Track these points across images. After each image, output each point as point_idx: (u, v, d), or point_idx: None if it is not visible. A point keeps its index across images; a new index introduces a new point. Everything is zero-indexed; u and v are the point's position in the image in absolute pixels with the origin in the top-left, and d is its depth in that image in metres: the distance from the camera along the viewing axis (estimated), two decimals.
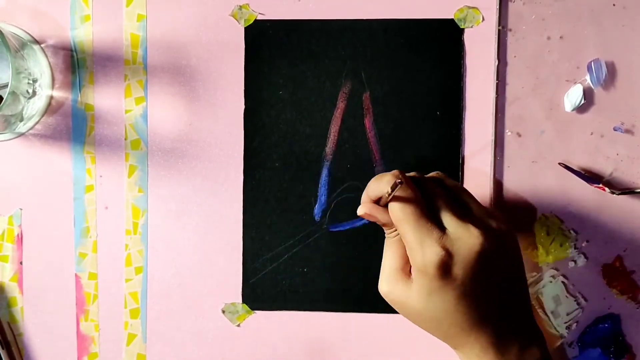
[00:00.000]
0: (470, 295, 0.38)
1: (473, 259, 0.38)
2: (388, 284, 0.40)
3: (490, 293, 0.39)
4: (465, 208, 0.40)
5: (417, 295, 0.38)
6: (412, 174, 0.41)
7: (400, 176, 0.38)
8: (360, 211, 0.40)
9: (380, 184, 0.39)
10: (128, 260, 0.49)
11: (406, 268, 0.40)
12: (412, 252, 0.38)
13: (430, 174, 0.42)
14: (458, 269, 0.38)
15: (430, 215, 0.39)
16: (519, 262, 0.41)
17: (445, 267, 0.37)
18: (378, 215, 0.40)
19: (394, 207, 0.39)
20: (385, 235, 0.41)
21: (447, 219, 0.39)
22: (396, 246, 0.40)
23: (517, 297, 0.41)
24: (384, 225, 0.40)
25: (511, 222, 0.42)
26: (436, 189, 0.40)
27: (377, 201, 0.40)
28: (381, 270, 0.41)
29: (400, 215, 0.38)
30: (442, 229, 0.38)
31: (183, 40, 0.48)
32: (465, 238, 0.38)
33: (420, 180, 0.40)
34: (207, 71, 0.48)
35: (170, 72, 0.49)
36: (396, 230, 0.40)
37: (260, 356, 0.49)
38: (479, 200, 0.41)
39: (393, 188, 0.37)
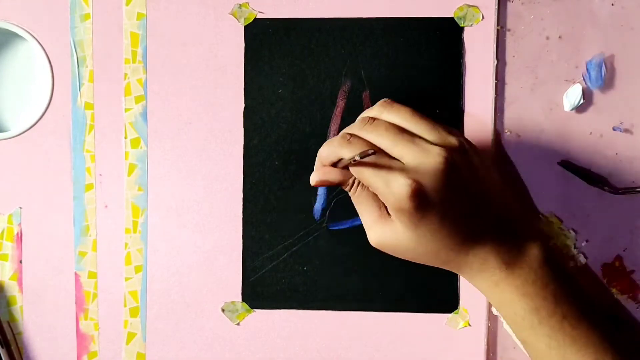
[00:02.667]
0: (452, 214, 0.38)
1: (441, 178, 0.37)
2: (375, 233, 0.40)
3: (471, 205, 0.38)
4: (418, 131, 0.39)
5: (404, 233, 0.38)
6: (357, 121, 0.41)
7: (371, 149, 0.38)
8: (314, 178, 0.40)
9: (335, 149, 0.39)
10: (128, 259, 0.49)
11: (384, 213, 0.39)
12: (383, 196, 0.38)
13: (376, 105, 0.41)
14: (431, 193, 0.37)
15: (386, 154, 0.38)
16: (487, 167, 0.40)
17: (418, 196, 0.37)
18: (332, 177, 0.40)
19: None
20: (350, 194, 0.41)
21: (403, 149, 0.38)
22: (365, 198, 0.40)
23: (501, 199, 0.40)
24: (341, 184, 0.40)
25: None
26: (383, 125, 0.39)
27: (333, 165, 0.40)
28: (364, 226, 0.41)
29: (359, 167, 0.38)
30: (401, 161, 0.38)
31: (183, 39, 0.48)
32: (426, 161, 0.37)
33: (364, 131, 0.40)
34: (207, 70, 0.49)
35: (169, 71, 0.49)
36: (356, 185, 0.40)
37: (260, 355, 0.49)
38: None
39: (363, 156, 0.37)
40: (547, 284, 0.39)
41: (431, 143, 0.38)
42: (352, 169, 0.39)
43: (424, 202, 0.37)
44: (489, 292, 0.40)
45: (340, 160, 0.40)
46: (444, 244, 0.38)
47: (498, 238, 0.39)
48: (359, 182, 0.40)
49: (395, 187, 0.37)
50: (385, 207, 0.40)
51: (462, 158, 0.38)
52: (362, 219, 0.41)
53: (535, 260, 0.39)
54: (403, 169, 0.37)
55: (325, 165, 0.40)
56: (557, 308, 0.39)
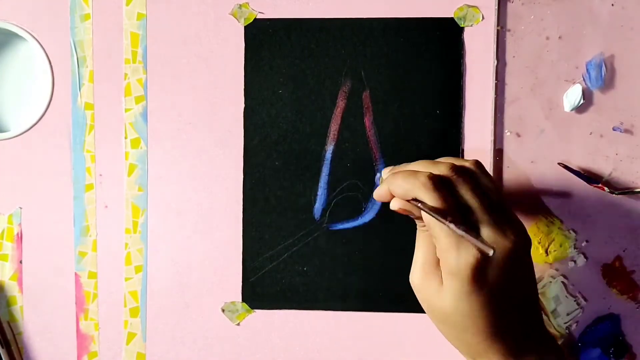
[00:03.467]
0: (498, 300, 0.37)
1: (507, 263, 0.37)
2: (420, 278, 0.39)
3: (514, 299, 0.38)
4: (499, 205, 0.39)
5: (448, 297, 0.37)
6: (443, 161, 0.40)
7: (450, 218, 0.36)
8: (394, 206, 0.39)
9: (414, 183, 0.38)
10: (128, 259, 0.49)
11: (439, 265, 0.39)
12: (445, 254, 0.37)
13: (466, 162, 0.40)
14: (491, 273, 0.36)
15: (463, 218, 0.37)
16: (533, 269, 0.40)
17: (480, 270, 0.36)
18: (413, 210, 0.39)
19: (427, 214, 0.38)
20: (418, 227, 0.40)
21: (482, 220, 0.37)
22: (430, 240, 0.39)
23: (533, 304, 0.40)
24: (416, 218, 0.39)
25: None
26: (469, 186, 0.38)
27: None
28: (414, 261, 0.40)
29: (434, 220, 0.37)
30: (476, 231, 0.37)
31: (183, 39, 0.48)
32: (501, 241, 0.37)
33: (452, 182, 0.38)
34: (207, 70, 0.49)
35: (170, 71, 0.49)
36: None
37: (259, 355, 0.49)
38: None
39: (433, 212, 0.36)
40: None
41: (507, 224, 0.38)
42: (427, 221, 0.38)
43: (482, 277, 0.36)
44: None
45: (415, 198, 0.38)
46: (477, 325, 0.37)
47: (523, 342, 0.38)
48: None
49: (463, 252, 0.36)
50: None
51: (526, 250, 0.38)
52: (417, 254, 0.40)
53: None
54: (476, 239, 0.36)
55: (395, 195, 0.39)
56: None
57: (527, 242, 0.38)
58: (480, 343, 0.38)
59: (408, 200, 0.38)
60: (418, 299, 0.39)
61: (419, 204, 0.37)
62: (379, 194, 0.40)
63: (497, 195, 0.39)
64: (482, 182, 0.39)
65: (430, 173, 0.38)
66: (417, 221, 0.40)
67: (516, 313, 0.38)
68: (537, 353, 0.39)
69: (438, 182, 0.37)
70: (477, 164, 0.40)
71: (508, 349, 0.38)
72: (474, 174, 0.39)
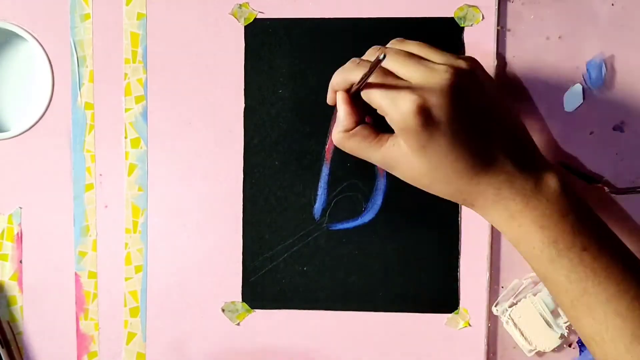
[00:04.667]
0: (462, 136, 0.36)
1: (448, 94, 0.36)
2: (379, 153, 0.39)
3: (482, 129, 0.37)
4: (427, 56, 0.39)
5: (412, 155, 0.37)
6: (371, 49, 0.41)
7: (382, 49, 0.37)
8: (329, 98, 0.41)
9: (346, 73, 0.39)
10: (128, 259, 0.49)
11: (382, 136, 0.39)
12: (389, 114, 0.37)
13: (389, 43, 0.41)
14: (437, 111, 0.36)
15: (393, 75, 0.38)
16: (497, 95, 0.39)
17: (424, 113, 0.36)
18: (342, 101, 0.39)
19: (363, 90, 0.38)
20: (346, 136, 0.40)
21: (410, 70, 0.37)
22: (362, 130, 0.39)
23: (512, 128, 0.39)
24: (346, 113, 0.39)
25: None
26: (392, 50, 0.39)
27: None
28: (368, 157, 0.40)
29: (367, 90, 0.37)
30: (409, 82, 0.37)
31: (183, 39, 0.48)
32: (432, 78, 0.36)
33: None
34: (207, 69, 0.48)
35: (170, 71, 0.49)
36: (351, 122, 0.39)
37: (259, 355, 0.49)
38: None
39: (375, 64, 0.35)
40: (565, 215, 0.37)
41: (439, 64, 0.38)
42: (363, 94, 0.38)
43: (430, 119, 0.36)
44: (505, 226, 0.38)
45: (352, 86, 0.39)
46: (453, 169, 0.37)
47: (512, 165, 0.37)
48: (356, 124, 0.39)
49: (401, 105, 0.36)
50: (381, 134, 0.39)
51: (469, 77, 0.37)
52: (364, 153, 0.40)
53: (553, 191, 0.38)
54: (410, 87, 0.36)
55: (337, 88, 0.40)
56: (577, 239, 0.37)
57: (468, 72, 0.37)
58: (467, 183, 0.37)
59: (352, 92, 0.39)
60: (392, 170, 0.39)
61: (359, 83, 0.38)
62: (330, 98, 0.41)
63: (427, 49, 0.39)
64: (400, 47, 0.40)
65: (353, 59, 0.40)
66: (345, 123, 0.40)
67: (492, 142, 0.37)
68: (533, 175, 0.38)
69: (361, 60, 0.39)
70: (395, 39, 0.41)
71: (498, 179, 0.37)
72: (392, 45, 0.40)
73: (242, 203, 0.49)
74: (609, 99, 0.48)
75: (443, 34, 0.48)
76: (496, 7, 0.47)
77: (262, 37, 0.48)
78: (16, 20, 0.49)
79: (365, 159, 0.40)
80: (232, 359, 0.49)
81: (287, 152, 0.48)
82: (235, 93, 0.49)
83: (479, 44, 0.48)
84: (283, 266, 0.49)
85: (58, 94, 0.49)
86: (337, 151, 0.48)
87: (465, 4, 0.47)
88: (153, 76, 0.49)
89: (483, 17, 0.47)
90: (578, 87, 0.47)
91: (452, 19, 0.48)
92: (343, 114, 0.40)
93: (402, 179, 0.39)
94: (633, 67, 0.48)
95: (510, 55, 0.48)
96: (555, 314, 0.48)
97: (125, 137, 0.49)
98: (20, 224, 0.50)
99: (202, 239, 0.49)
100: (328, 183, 0.48)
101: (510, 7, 0.48)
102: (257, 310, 0.49)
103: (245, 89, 0.48)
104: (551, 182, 0.38)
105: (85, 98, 0.49)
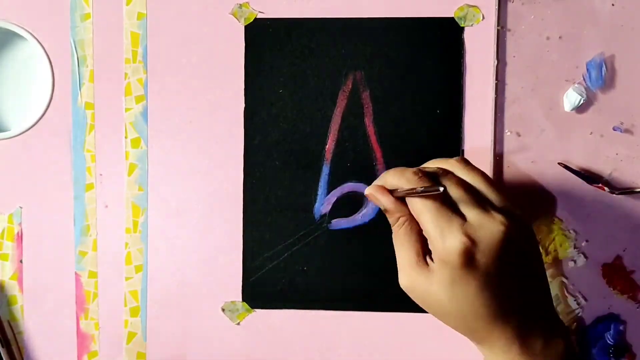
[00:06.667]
0: (493, 284, 0.37)
1: (497, 246, 0.37)
2: (408, 277, 0.39)
3: (513, 283, 0.38)
4: (486, 196, 0.39)
5: (440, 285, 0.38)
6: (430, 164, 0.41)
7: (441, 187, 0.37)
8: (367, 190, 0.40)
9: (400, 179, 0.39)
10: (128, 259, 0.49)
11: (421, 260, 0.39)
12: (433, 242, 0.38)
13: (452, 160, 0.42)
14: (481, 257, 0.37)
15: (449, 205, 0.38)
16: (537, 252, 0.40)
17: (468, 255, 0.36)
18: (384, 200, 0.39)
19: (413, 199, 0.38)
20: (393, 227, 0.40)
21: (468, 208, 0.38)
22: (408, 237, 0.39)
23: (539, 287, 0.40)
24: (387, 212, 0.40)
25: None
26: (454, 180, 0.39)
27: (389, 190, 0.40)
28: (398, 265, 0.40)
29: (419, 206, 0.38)
30: (463, 217, 0.37)
31: (183, 39, 0.48)
32: (488, 225, 0.37)
33: (437, 174, 0.40)
34: (207, 69, 0.49)
35: (170, 71, 0.49)
36: (401, 218, 0.39)
37: (260, 354, 0.49)
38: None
39: (426, 191, 0.37)
40: None
41: (496, 208, 0.38)
42: (411, 203, 0.39)
43: (472, 262, 0.37)
44: None
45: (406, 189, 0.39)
46: (475, 310, 0.38)
47: (528, 321, 0.38)
48: (405, 221, 0.40)
49: (449, 240, 0.37)
50: (424, 256, 0.39)
51: (521, 231, 0.38)
52: (398, 258, 0.40)
53: (558, 355, 0.38)
54: (462, 225, 0.37)
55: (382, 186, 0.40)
56: None
57: (521, 227, 0.38)
58: (483, 328, 0.38)
59: (396, 195, 0.39)
60: (413, 299, 0.40)
61: (407, 191, 0.38)
62: (368, 190, 0.41)
63: (486, 183, 0.40)
64: (462, 176, 0.40)
65: (417, 169, 0.39)
66: (390, 219, 0.40)
67: (518, 297, 0.38)
68: (544, 337, 0.38)
69: (424, 174, 0.39)
70: (459, 160, 0.41)
71: (512, 333, 0.38)
72: (454, 169, 0.41)
73: (242, 203, 0.49)
74: (608, 99, 0.48)
75: (443, 34, 0.48)
76: (496, 7, 0.47)
77: (262, 37, 0.48)
78: (16, 19, 0.49)
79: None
80: (232, 359, 0.50)
81: (287, 152, 0.48)
82: (235, 93, 0.49)
83: (479, 44, 0.48)
84: (283, 266, 0.49)
85: (58, 93, 0.49)
86: (337, 151, 0.48)
87: (466, 4, 0.47)
88: (153, 76, 0.49)
89: (483, 17, 0.47)
90: (578, 87, 0.47)
91: (452, 19, 0.48)
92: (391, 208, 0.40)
93: (417, 300, 0.40)
94: (633, 67, 0.48)
95: (510, 55, 0.48)
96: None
97: (126, 137, 0.49)
98: (20, 224, 0.50)
99: (202, 239, 0.49)
100: (328, 183, 0.48)
101: (510, 7, 0.48)
102: (257, 310, 0.49)
103: (245, 89, 0.49)
104: (559, 347, 0.39)
105: (85, 98, 0.49)
